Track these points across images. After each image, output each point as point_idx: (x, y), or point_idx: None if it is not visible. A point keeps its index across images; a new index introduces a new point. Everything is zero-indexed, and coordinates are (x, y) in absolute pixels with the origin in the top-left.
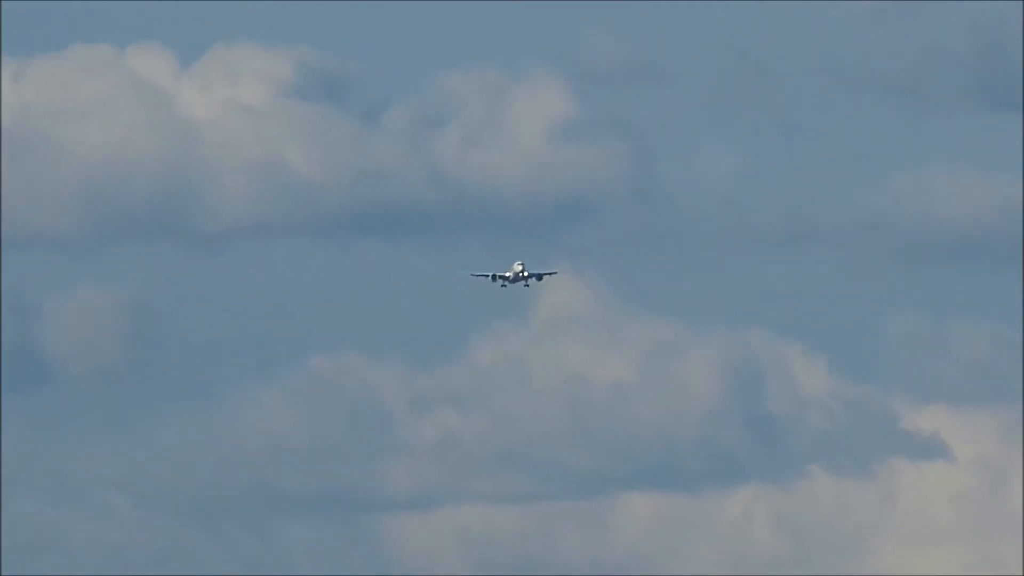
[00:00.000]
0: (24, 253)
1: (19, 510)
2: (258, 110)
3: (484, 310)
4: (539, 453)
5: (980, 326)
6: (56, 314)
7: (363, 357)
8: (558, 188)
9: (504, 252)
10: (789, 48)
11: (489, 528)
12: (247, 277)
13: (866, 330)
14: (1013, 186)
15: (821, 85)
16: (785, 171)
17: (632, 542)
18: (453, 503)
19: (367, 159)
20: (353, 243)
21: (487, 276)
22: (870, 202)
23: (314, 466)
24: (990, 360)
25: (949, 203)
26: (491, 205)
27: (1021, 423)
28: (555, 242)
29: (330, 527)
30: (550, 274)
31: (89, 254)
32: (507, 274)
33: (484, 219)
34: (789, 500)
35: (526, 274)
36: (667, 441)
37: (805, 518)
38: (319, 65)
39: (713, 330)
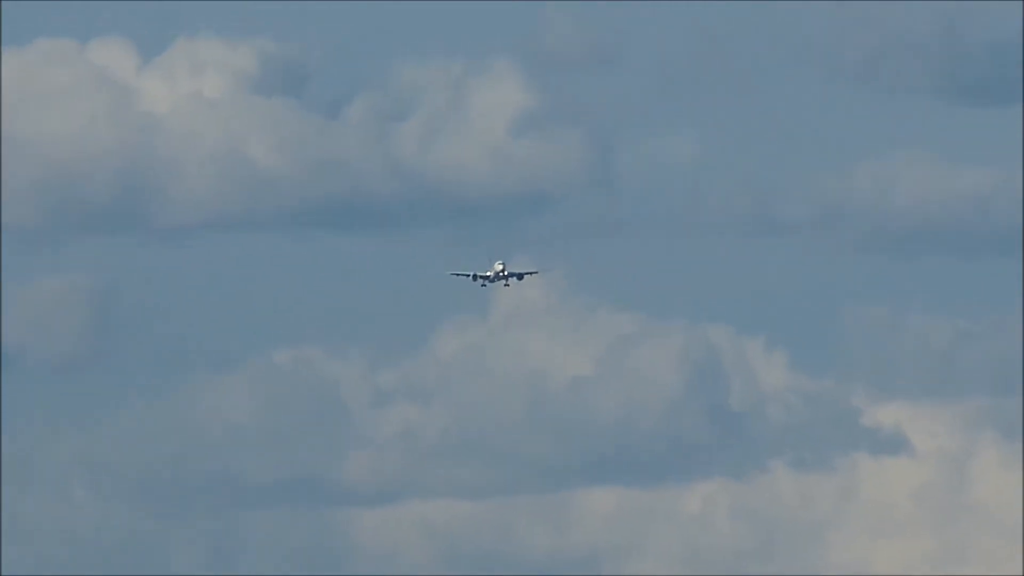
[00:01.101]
0: None
1: None
2: (220, 103)
3: (445, 304)
4: (500, 447)
5: (942, 320)
6: (18, 305)
7: (324, 350)
8: (519, 180)
9: (465, 244)
10: (750, 37)
11: (450, 521)
12: (209, 269)
13: (827, 324)
14: (975, 177)
15: (782, 75)
16: (746, 162)
17: (593, 536)
18: (414, 496)
19: (328, 152)
20: (314, 236)
21: (467, 276)
22: (832, 193)
23: (276, 458)
24: (952, 354)
25: (911, 194)
26: (452, 197)
27: (981, 417)
28: (516, 234)
29: (291, 519)
30: (530, 273)
31: (51, 246)
32: (488, 273)
33: (445, 211)
34: (750, 494)
35: (506, 273)
36: (628, 435)
37: (766, 512)
38: (280, 58)
39: (674, 323)
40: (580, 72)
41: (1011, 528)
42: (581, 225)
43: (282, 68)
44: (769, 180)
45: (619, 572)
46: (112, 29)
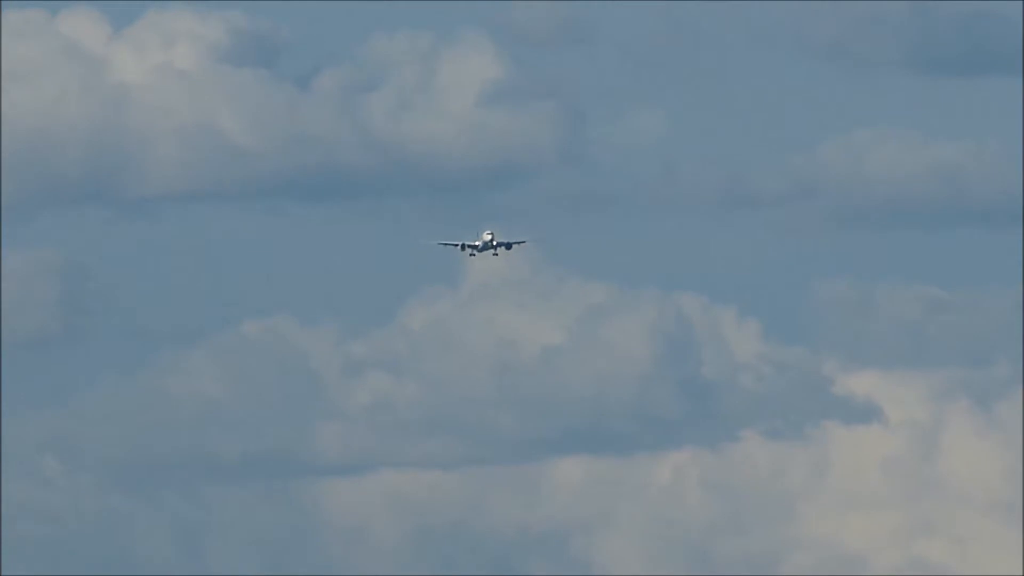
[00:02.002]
0: None
1: None
2: (191, 75)
3: (416, 274)
4: (471, 417)
5: (913, 290)
6: None
7: (295, 322)
8: (491, 152)
9: (437, 216)
10: (722, 12)
11: (421, 492)
12: (179, 242)
13: (799, 294)
14: (946, 150)
15: (754, 49)
16: (718, 135)
17: (564, 506)
18: (384, 467)
19: (300, 123)
20: (286, 207)
21: (456, 245)
22: (803, 167)
23: (246, 430)
24: (923, 324)
25: (882, 167)
26: (424, 169)
27: (954, 386)
28: (487, 206)
29: (262, 491)
30: (519, 243)
31: (20, 218)
32: (476, 243)
33: (417, 183)
34: (721, 464)
35: (495, 243)
36: (599, 405)
37: (737, 481)
38: (252, 30)
39: (645, 294)
40: (553, 44)
41: (982, 497)
42: (553, 197)
43: (253, 39)
44: (741, 153)
45: (590, 542)
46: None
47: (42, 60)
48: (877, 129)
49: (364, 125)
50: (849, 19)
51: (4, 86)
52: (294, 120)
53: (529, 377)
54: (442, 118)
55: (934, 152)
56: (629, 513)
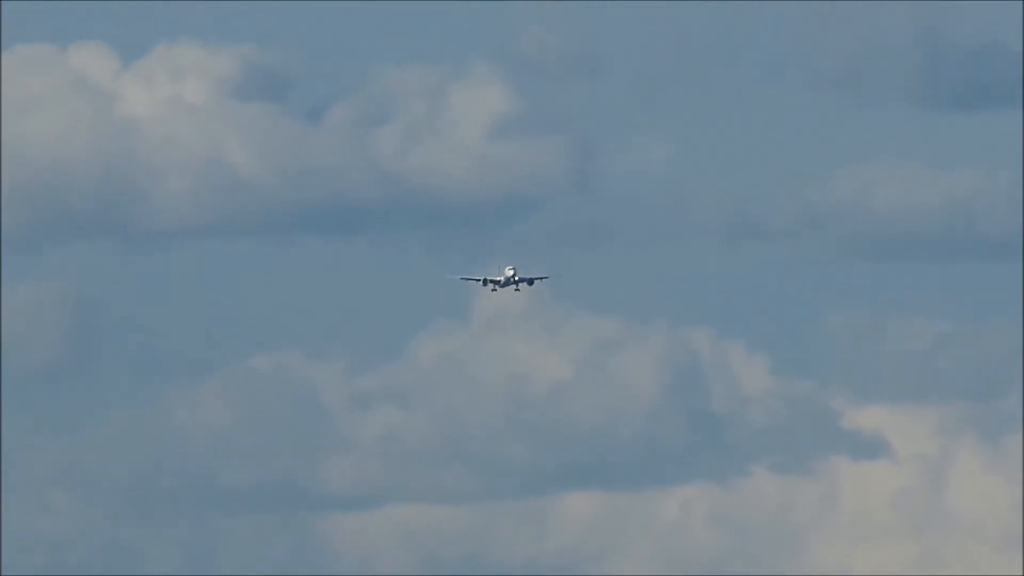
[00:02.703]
0: None
1: None
2: (200, 109)
3: (426, 308)
4: (480, 452)
5: (922, 324)
6: None
7: (305, 355)
8: (500, 185)
9: (446, 249)
10: (730, 44)
11: (429, 527)
12: (189, 275)
13: (807, 327)
14: (954, 183)
15: (763, 81)
16: (726, 168)
17: (573, 540)
18: (393, 501)
19: (309, 157)
20: (295, 241)
21: (478, 280)
22: (811, 199)
23: (255, 464)
24: (932, 358)
25: (890, 200)
26: (433, 203)
27: (962, 421)
28: (496, 239)
29: (271, 525)
30: (541, 278)
31: (29, 251)
32: (498, 278)
33: (425, 217)
34: (730, 498)
35: (517, 278)
36: (608, 440)
37: (746, 516)
38: (261, 64)
39: (654, 328)
40: (561, 77)
41: (990, 532)
42: (562, 230)
43: (263, 73)
44: (749, 186)
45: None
46: (92, 34)
47: (52, 94)
48: (885, 162)
49: (373, 159)
50: (857, 52)
51: (14, 119)
52: (303, 154)
53: (538, 411)
54: (451, 151)
55: (942, 185)
56: (638, 547)
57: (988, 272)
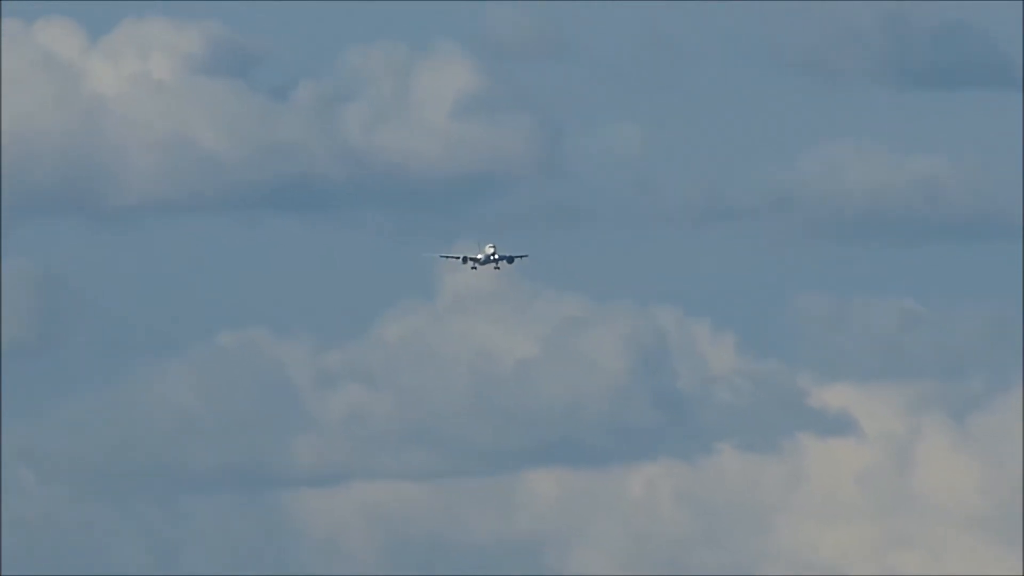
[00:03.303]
0: None
1: None
2: (167, 85)
3: (391, 286)
4: (446, 429)
5: (889, 303)
6: None
7: (270, 333)
8: (466, 163)
9: (412, 228)
10: (697, 24)
11: (396, 504)
12: (155, 252)
13: (774, 307)
14: (922, 164)
15: (731, 62)
16: (693, 148)
17: (539, 518)
18: (359, 479)
19: (275, 135)
20: (261, 219)
21: (457, 258)
22: (778, 179)
23: (221, 441)
24: (899, 337)
25: (858, 181)
26: (399, 181)
27: (928, 399)
28: (463, 217)
29: (237, 503)
30: (521, 256)
31: None
32: (478, 256)
33: (392, 195)
34: (696, 476)
35: (497, 256)
36: (574, 418)
37: (712, 494)
38: (228, 40)
39: (620, 306)
40: (528, 57)
41: (957, 511)
42: (529, 210)
43: (230, 50)
44: (718, 166)
45: (565, 554)
46: (58, 10)
47: (17, 70)
48: (853, 142)
49: (340, 136)
50: (825, 32)
51: None
52: (270, 131)
53: (504, 389)
54: (418, 130)
55: (910, 165)
56: (604, 525)
57: (955, 252)
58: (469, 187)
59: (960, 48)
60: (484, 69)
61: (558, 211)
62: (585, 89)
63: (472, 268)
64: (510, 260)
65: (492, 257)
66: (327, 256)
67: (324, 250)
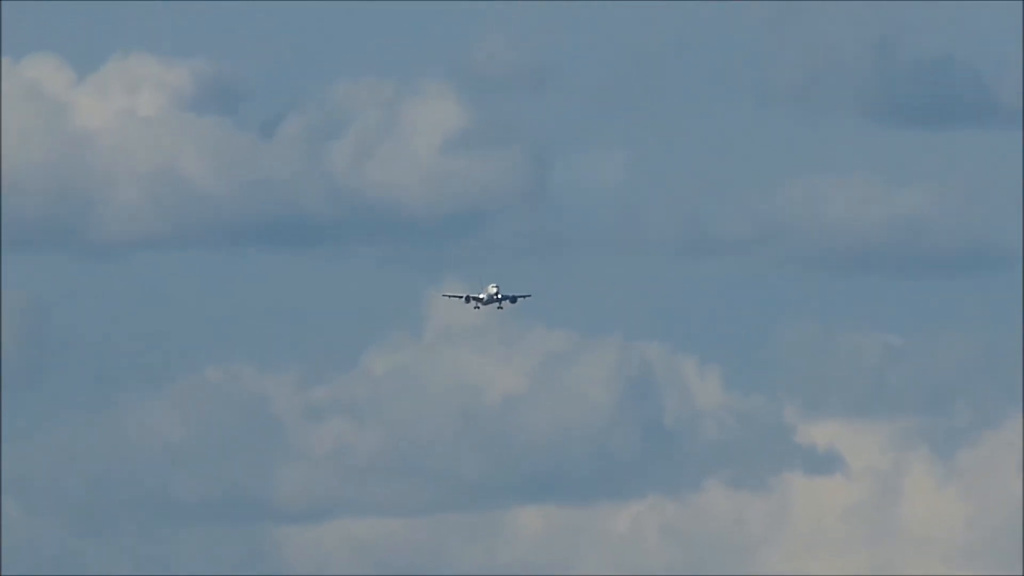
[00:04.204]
0: None
1: None
2: (154, 121)
3: (378, 320)
4: (432, 464)
5: (874, 338)
6: None
7: (256, 367)
8: (453, 198)
9: (399, 262)
10: (683, 56)
11: (381, 539)
12: (142, 287)
13: (761, 342)
14: (907, 198)
15: (715, 94)
16: (679, 180)
17: (525, 554)
18: (345, 514)
19: (262, 170)
20: (248, 253)
21: (460, 297)
22: (763, 212)
23: (206, 475)
24: (884, 372)
25: (844, 215)
26: (386, 215)
27: (914, 434)
28: (450, 252)
29: (222, 537)
30: (524, 296)
31: None
32: (481, 296)
33: (379, 229)
34: (683, 512)
35: (500, 296)
36: (561, 453)
37: (699, 530)
38: (215, 77)
39: (607, 341)
40: (514, 91)
41: (943, 546)
42: (515, 243)
43: (216, 86)
44: (704, 200)
45: None
46: (46, 46)
47: (5, 105)
48: (839, 176)
49: (327, 172)
50: (812, 66)
51: None
52: (257, 166)
53: (491, 424)
54: (404, 164)
55: (895, 200)
56: (590, 561)
57: (941, 287)
58: (456, 221)
59: (948, 83)
60: (471, 103)
61: (545, 244)
62: (572, 123)
63: (475, 308)
64: (513, 300)
65: (496, 297)
66: (314, 290)
67: (311, 284)
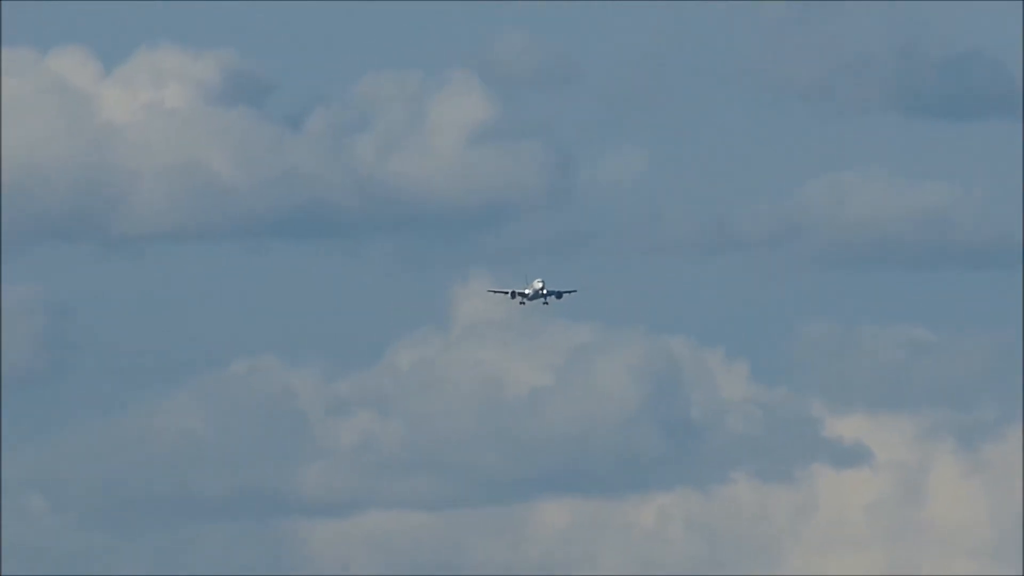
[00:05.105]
0: None
1: None
2: (180, 114)
3: (403, 314)
4: (457, 458)
5: (900, 332)
6: None
7: (282, 360)
8: (478, 192)
9: (424, 255)
10: (707, 53)
11: (406, 533)
12: (168, 280)
13: (787, 336)
14: (931, 193)
15: (739, 90)
16: (704, 177)
17: (551, 547)
18: (369, 508)
19: (288, 163)
20: (274, 247)
21: (506, 293)
22: (789, 208)
23: (232, 469)
24: (911, 366)
25: (868, 209)
26: (411, 209)
27: (939, 427)
28: (475, 245)
29: (247, 530)
30: (570, 292)
31: (10, 255)
32: (526, 291)
33: (404, 223)
34: (710, 505)
35: (545, 291)
36: (587, 447)
37: (726, 523)
38: (241, 70)
39: (633, 335)
40: (539, 86)
41: (968, 538)
42: (540, 237)
43: (243, 79)
44: (728, 195)
45: None
46: (73, 38)
47: (32, 98)
48: (862, 171)
49: (352, 165)
50: (834, 62)
51: None
52: (283, 159)
53: (516, 418)
54: (430, 158)
55: (919, 194)
56: (616, 554)
57: (967, 280)
58: (481, 215)
59: (968, 78)
60: (496, 98)
61: (570, 239)
62: (597, 117)
63: (520, 303)
64: (559, 295)
65: (541, 292)
66: (339, 284)
67: (336, 278)
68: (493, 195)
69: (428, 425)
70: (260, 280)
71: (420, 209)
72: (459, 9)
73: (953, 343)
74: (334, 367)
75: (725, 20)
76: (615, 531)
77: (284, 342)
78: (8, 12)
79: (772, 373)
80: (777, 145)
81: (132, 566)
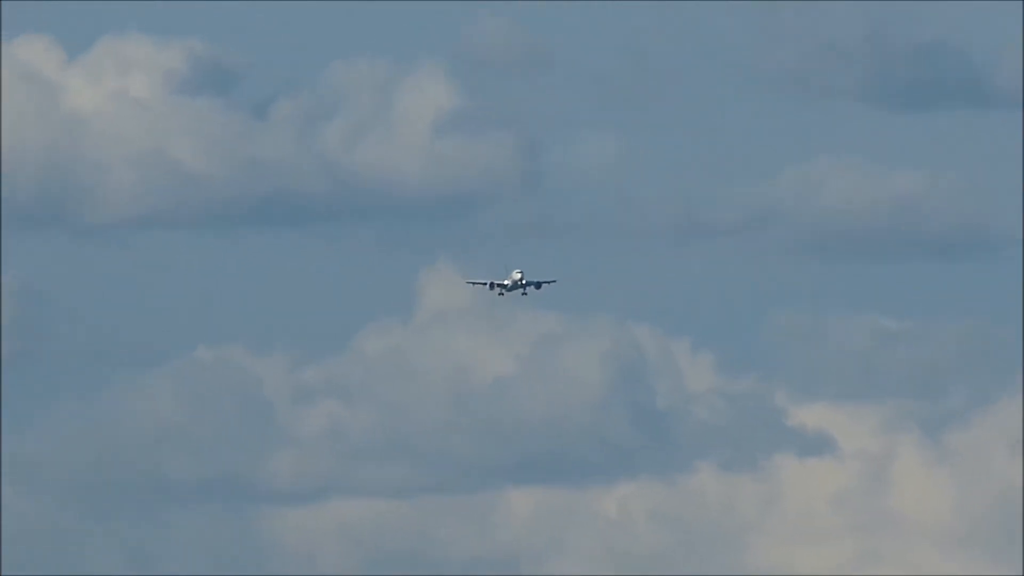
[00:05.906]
0: None
1: None
2: (146, 102)
3: (369, 302)
4: (423, 446)
5: (866, 321)
6: None
7: (249, 348)
8: (447, 180)
9: (393, 244)
10: (678, 40)
11: (372, 521)
12: (133, 268)
13: (753, 325)
14: (901, 182)
15: (710, 77)
16: (673, 164)
17: (516, 536)
18: (337, 495)
19: (255, 151)
20: (241, 235)
21: (484, 284)
22: (759, 197)
23: (199, 457)
24: (876, 355)
25: (837, 198)
26: (379, 198)
27: (905, 418)
28: (443, 234)
29: (214, 518)
30: (549, 282)
31: None
32: (505, 282)
33: (372, 211)
34: (674, 495)
35: (524, 282)
36: (553, 435)
37: (689, 513)
38: (207, 58)
39: (599, 324)
40: (508, 73)
41: (933, 529)
42: (508, 225)
43: (209, 68)
44: (698, 183)
45: (541, 573)
46: (37, 26)
47: None
48: (832, 160)
49: (320, 153)
50: (806, 50)
51: None
52: (250, 148)
53: (482, 406)
54: (399, 146)
55: (889, 183)
56: (581, 543)
57: (934, 270)
58: (449, 203)
59: (941, 66)
60: (465, 85)
61: (538, 227)
62: (566, 105)
63: (499, 294)
64: (538, 286)
65: (520, 283)
66: (307, 272)
67: (304, 266)
68: (462, 184)
69: (395, 412)
70: (227, 268)
71: (389, 198)
72: None
73: (919, 332)
74: (302, 354)
75: (697, 10)
76: (582, 519)
77: (252, 330)
78: None
79: (739, 363)
80: (749, 134)
81: (95, 552)
